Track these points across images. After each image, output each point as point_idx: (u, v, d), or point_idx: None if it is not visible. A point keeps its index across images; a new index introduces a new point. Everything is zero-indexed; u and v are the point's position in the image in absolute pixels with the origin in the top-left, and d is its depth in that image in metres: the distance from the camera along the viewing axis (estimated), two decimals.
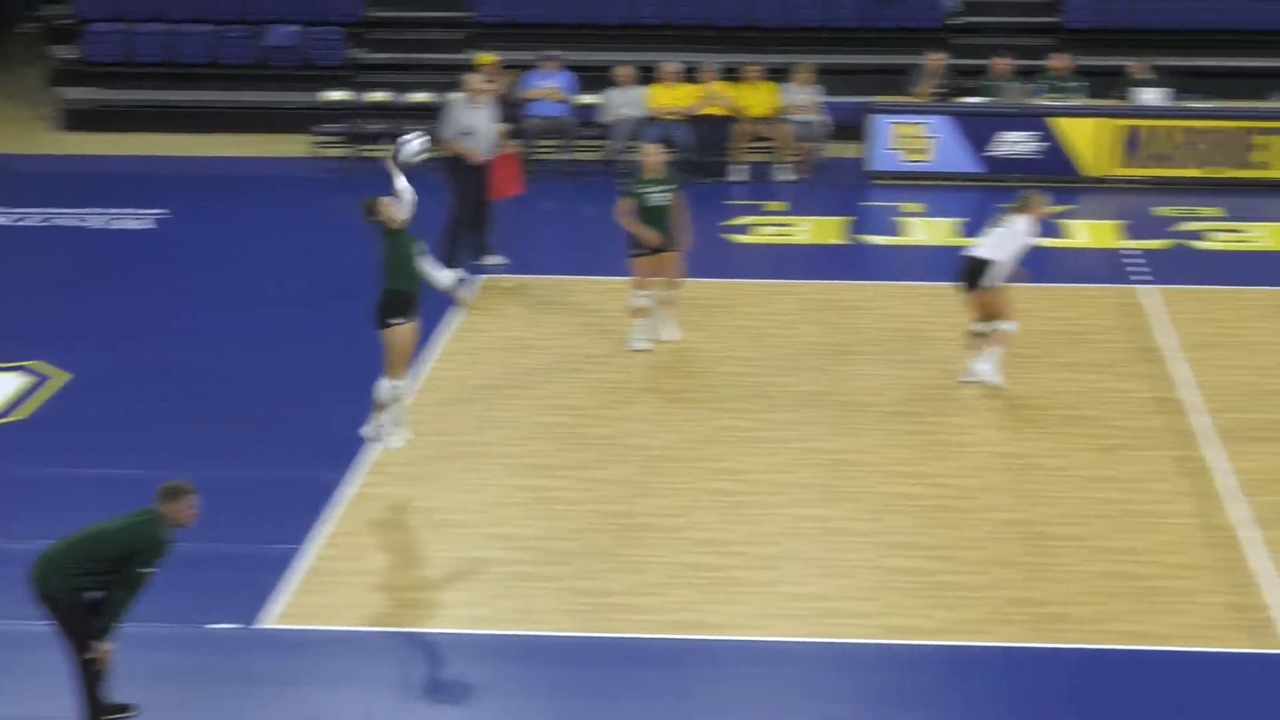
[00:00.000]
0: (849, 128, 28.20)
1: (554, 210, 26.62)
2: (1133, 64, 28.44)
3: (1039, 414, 18.68)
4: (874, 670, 13.95)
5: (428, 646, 14.32)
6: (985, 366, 19.22)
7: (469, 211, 22.91)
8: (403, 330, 16.82)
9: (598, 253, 23.91)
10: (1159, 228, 25.16)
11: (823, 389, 19.33)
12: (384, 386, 16.95)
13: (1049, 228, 24.74)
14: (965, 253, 19.52)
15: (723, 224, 25.36)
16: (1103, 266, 23.41)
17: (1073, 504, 16.62)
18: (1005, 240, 19.03)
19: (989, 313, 19.11)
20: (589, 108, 28.60)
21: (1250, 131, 27.41)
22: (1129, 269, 23.28)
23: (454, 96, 23.46)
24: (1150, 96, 27.77)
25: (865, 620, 14.56)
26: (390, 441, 17.24)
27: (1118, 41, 30.19)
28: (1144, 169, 27.49)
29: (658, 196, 19.94)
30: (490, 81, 24.15)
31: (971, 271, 19.11)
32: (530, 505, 16.58)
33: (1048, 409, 18.79)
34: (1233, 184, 27.27)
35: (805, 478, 17.20)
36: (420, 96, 29.24)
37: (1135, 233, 24.90)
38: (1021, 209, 19.19)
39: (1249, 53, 30.30)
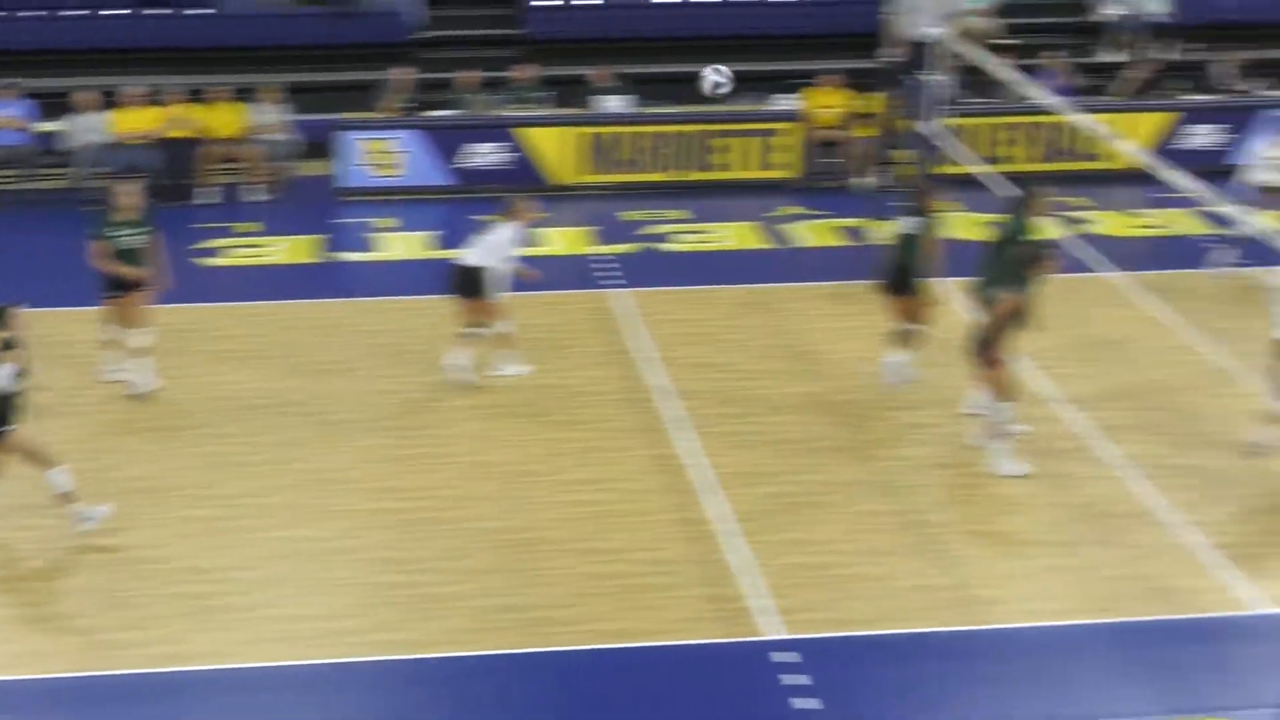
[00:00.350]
0: (319, 145, 28.04)
1: (19, 241, 25.78)
2: (594, 72, 28.84)
3: (521, 421, 18.78)
4: (372, 688, 13.87)
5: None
6: (512, 368, 19.53)
7: None
8: None
9: (67, 283, 23.33)
10: (627, 232, 25.55)
11: (306, 408, 19.15)
12: None
13: (519, 235, 25.09)
14: (456, 263, 19.56)
15: (193, 247, 24.86)
16: (575, 272, 23.63)
17: (555, 508, 16.77)
18: (494, 248, 19.23)
19: (483, 318, 19.29)
20: (51, 135, 27.84)
21: (709, 134, 28.02)
22: (600, 274, 23.58)
23: None
24: (612, 104, 28.20)
25: (357, 637, 14.45)
26: None
27: (578, 50, 30.57)
28: (610, 175, 27.91)
29: (130, 239, 19.38)
30: None
31: (464, 281, 19.18)
32: (9, 547, 16.06)
33: (528, 415, 18.92)
34: (695, 187, 27.86)
35: (290, 499, 17.00)
36: None
37: (605, 238, 25.24)
38: (510, 216, 19.38)
39: (705, 58, 30.92)
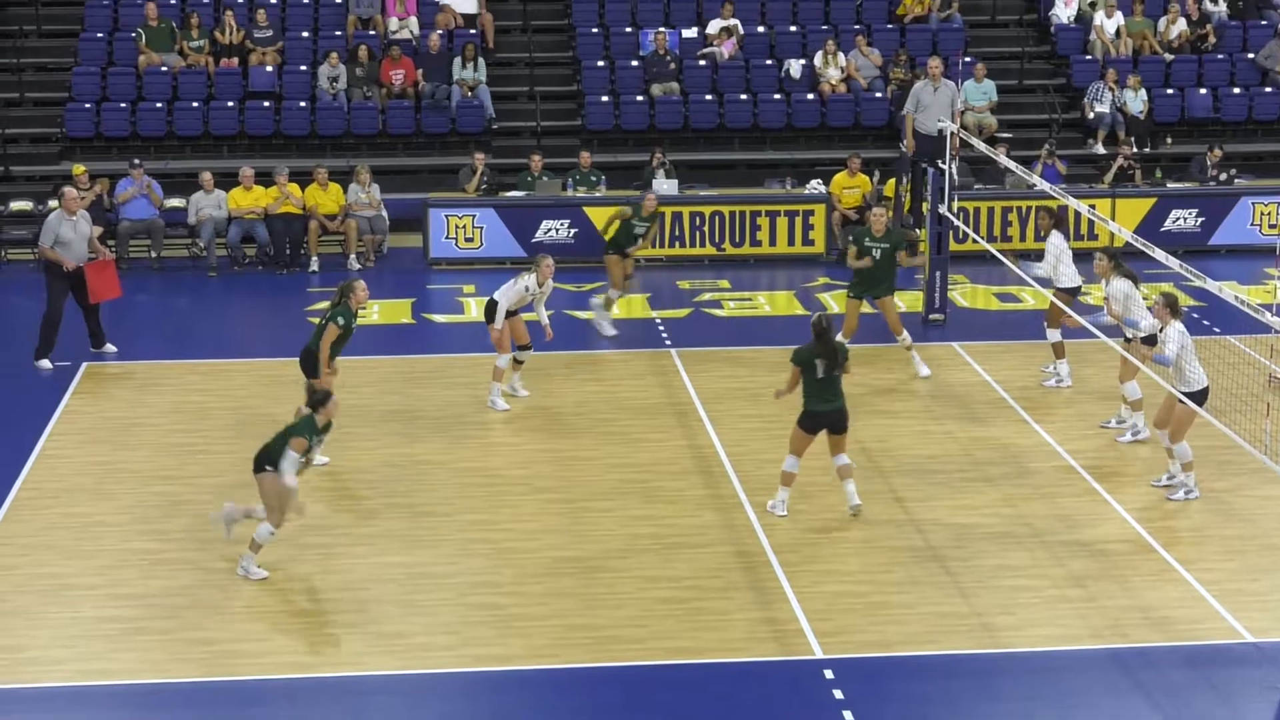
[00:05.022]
0: (412, 221, 28.14)
1: (149, 302, 25.91)
2: (652, 155, 28.87)
3: (591, 464, 18.77)
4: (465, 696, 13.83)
5: (53, 701, 13.72)
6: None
7: (58, 312, 22.13)
8: None
9: (191, 339, 23.52)
10: (683, 299, 25.58)
11: (402, 451, 19.16)
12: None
13: (586, 301, 25.16)
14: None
15: (306, 309, 24.98)
16: (640, 333, 23.68)
17: (620, 539, 16.71)
18: (509, 290, 20.35)
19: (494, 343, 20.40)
20: (176, 210, 27.98)
21: (751, 214, 28.05)
22: (660, 335, 23.62)
23: (51, 206, 22.69)
24: (663, 186, 28.26)
25: (450, 652, 14.41)
26: None
27: (629, 139, 30.66)
28: (663, 249, 27.91)
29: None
30: (84, 191, 23.42)
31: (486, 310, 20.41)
32: (144, 568, 16.04)
33: (597, 459, 18.90)
34: (738, 259, 27.87)
35: (390, 528, 16.99)
36: (21, 204, 28.23)
37: (659, 304, 25.28)
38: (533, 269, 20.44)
39: (746, 148, 31.04)
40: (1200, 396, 17.22)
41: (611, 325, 23.23)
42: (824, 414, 17.04)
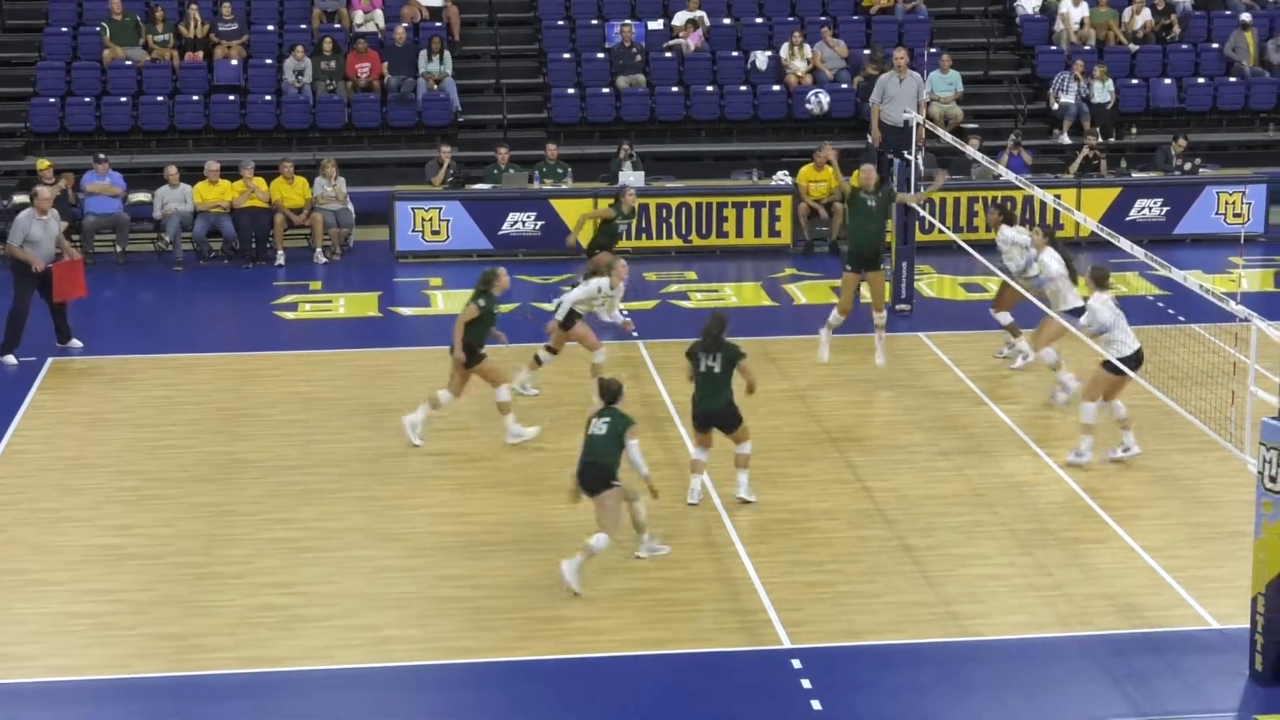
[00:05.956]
0: (378, 214, 28.13)
1: (114, 297, 25.85)
2: (620, 148, 28.87)
3: (562, 455, 18.82)
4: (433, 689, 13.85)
5: (21, 697, 13.71)
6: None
7: (25, 309, 22.08)
8: None
9: (157, 334, 23.51)
10: (650, 290, 25.59)
11: (369, 443, 19.16)
12: None
13: (553, 293, 25.12)
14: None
15: (272, 303, 24.98)
16: (607, 326, 23.60)
17: (588, 532, 16.73)
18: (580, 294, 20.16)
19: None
20: (141, 204, 27.91)
21: (718, 205, 28.10)
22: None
23: (16, 201, 22.63)
24: (630, 178, 28.26)
25: (418, 645, 14.42)
26: None
27: (596, 132, 30.67)
28: (631, 241, 27.87)
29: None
30: (50, 184, 23.36)
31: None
32: (110, 562, 16.02)
33: (570, 448, 18.95)
34: (704, 251, 27.92)
35: (358, 523, 17.00)
36: None
37: (626, 296, 25.18)
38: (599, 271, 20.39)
39: (712, 140, 31.06)
40: (1130, 362, 17.86)
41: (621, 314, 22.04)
42: (707, 411, 17.04)
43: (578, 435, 16.13)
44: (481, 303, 18.72)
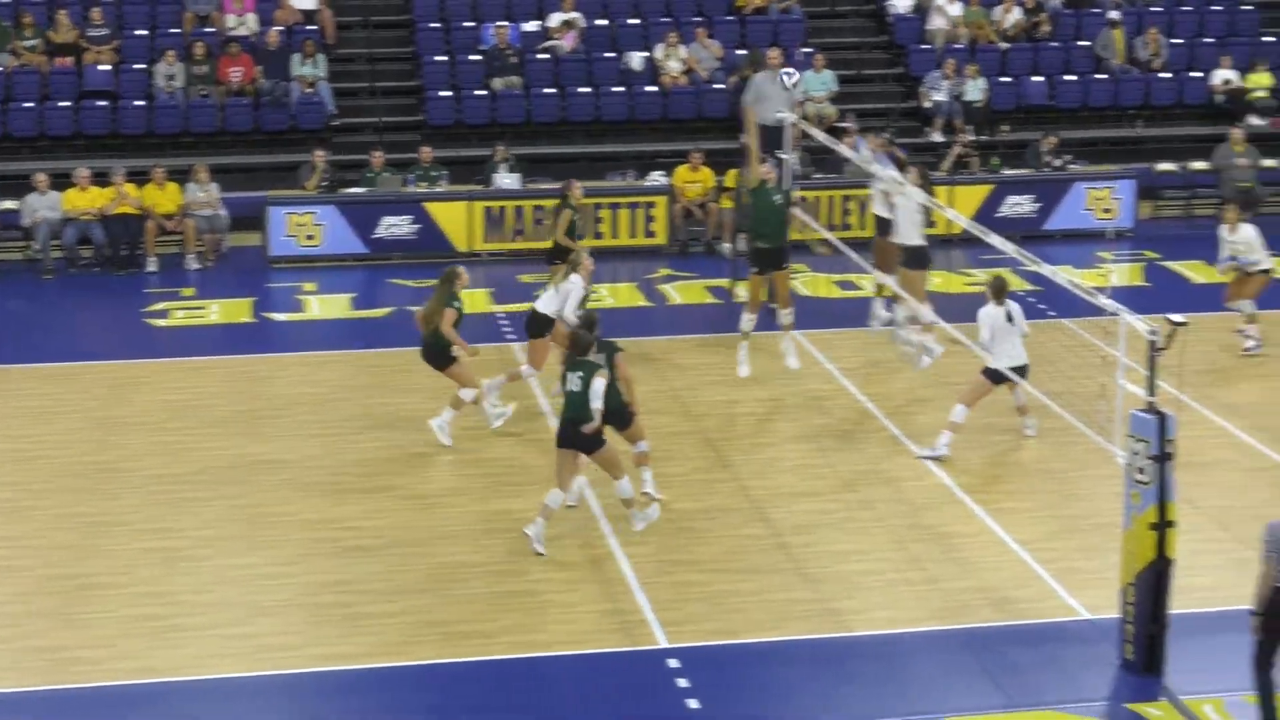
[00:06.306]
0: (252, 219, 27.98)
1: None
2: (496, 150, 28.85)
3: (437, 455, 18.79)
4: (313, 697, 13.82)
5: None
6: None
7: None
8: None
9: (28, 343, 23.28)
10: (524, 293, 25.57)
11: (244, 450, 19.07)
12: None
13: (429, 297, 25.08)
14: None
15: (143, 310, 24.79)
16: (481, 328, 23.62)
17: (470, 535, 16.77)
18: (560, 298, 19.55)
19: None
20: (9, 212, 27.63)
21: (595, 207, 28.17)
22: (502, 329, 23.64)
23: None
24: (506, 181, 28.30)
25: (297, 652, 14.40)
26: None
27: (472, 134, 30.64)
28: (505, 243, 27.99)
29: None
30: None
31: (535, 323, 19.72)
32: None
33: (447, 450, 18.92)
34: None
35: (234, 530, 16.92)
36: None
37: (503, 298, 25.29)
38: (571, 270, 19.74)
39: (580, 141, 31.11)
40: (994, 374, 18.56)
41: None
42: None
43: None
44: (456, 304, 18.95)
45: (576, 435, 15.94)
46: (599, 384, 15.87)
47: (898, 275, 21.45)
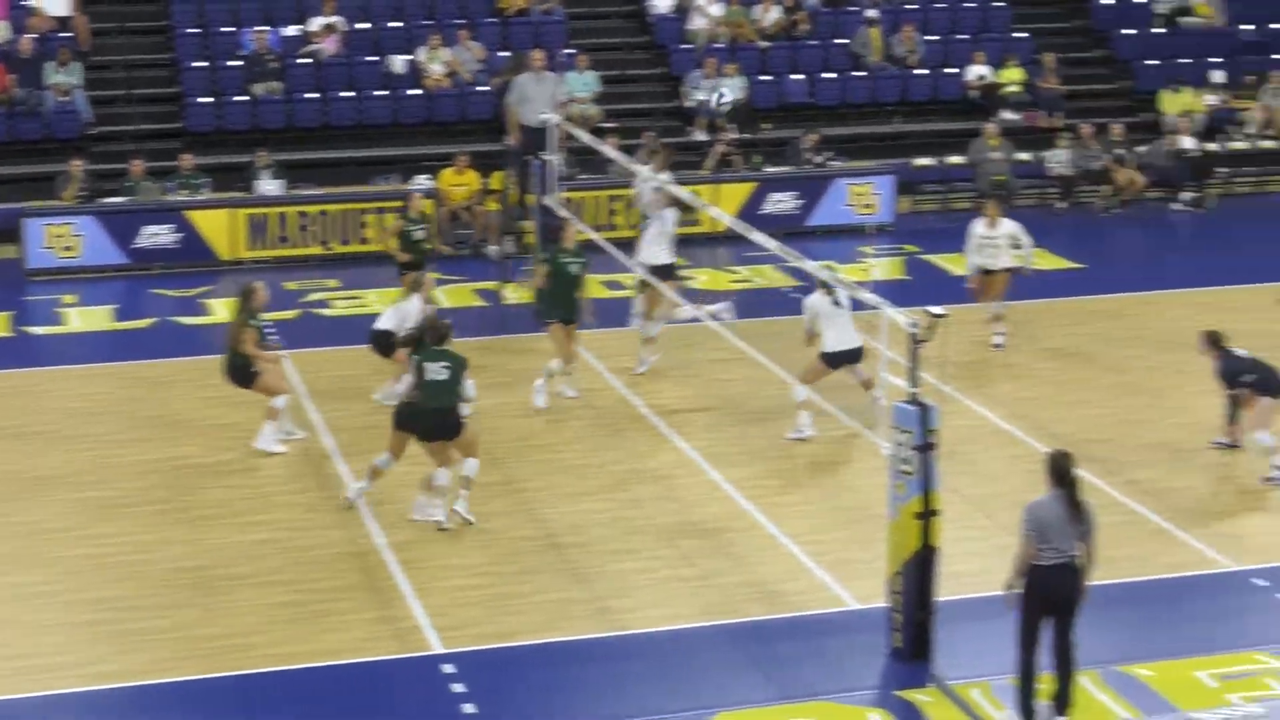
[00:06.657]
0: (5, 231, 27.42)
1: None
2: (257, 155, 28.62)
3: (196, 471, 18.61)
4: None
5: None
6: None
7: None
8: None
9: None
10: (289, 300, 25.41)
11: (7, 466, 18.73)
12: None
13: (193, 307, 24.84)
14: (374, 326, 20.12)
15: None
16: None
17: (237, 548, 16.63)
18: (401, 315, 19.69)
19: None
20: None
21: (357, 212, 28.05)
22: (268, 335, 23.36)
23: None
24: (269, 187, 28.06)
25: (70, 671, 14.18)
26: None
27: (233, 141, 30.33)
28: (270, 250, 27.76)
29: None
30: None
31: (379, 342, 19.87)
32: None
33: (199, 466, 18.73)
34: (346, 258, 27.85)
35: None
36: None
37: (268, 306, 24.98)
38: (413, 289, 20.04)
39: (344, 146, 30.95)
40: (836, 357, 19.05)
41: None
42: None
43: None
44: (253, 323, 18.96)
45: (445, 424, 15.95)
46: (470, 384, 16.39)
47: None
